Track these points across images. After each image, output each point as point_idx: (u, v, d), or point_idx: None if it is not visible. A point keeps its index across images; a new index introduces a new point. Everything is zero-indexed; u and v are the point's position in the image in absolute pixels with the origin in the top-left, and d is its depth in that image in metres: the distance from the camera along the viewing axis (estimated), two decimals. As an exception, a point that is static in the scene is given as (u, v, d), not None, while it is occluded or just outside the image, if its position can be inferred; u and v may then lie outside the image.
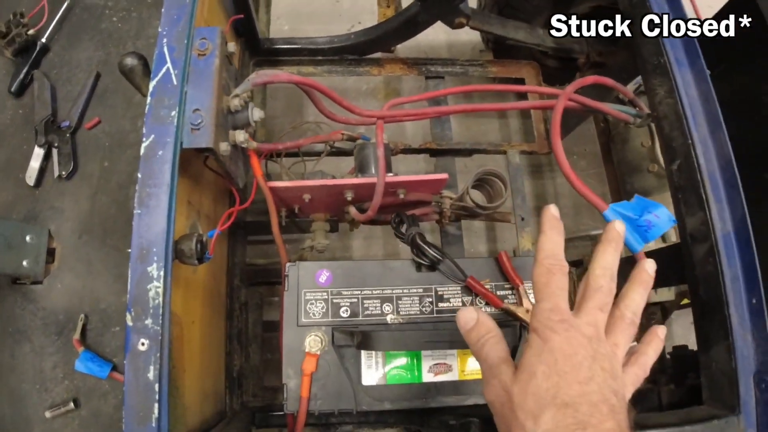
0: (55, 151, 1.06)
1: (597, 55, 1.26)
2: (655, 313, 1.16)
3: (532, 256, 0.83)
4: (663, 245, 1.04)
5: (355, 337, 0.69)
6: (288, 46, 1.17)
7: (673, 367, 1.12)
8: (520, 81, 1.27)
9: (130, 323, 0.52)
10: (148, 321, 0.52)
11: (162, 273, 0.53)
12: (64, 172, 1.04)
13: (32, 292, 0.98)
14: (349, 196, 0.81)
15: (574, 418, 0.40)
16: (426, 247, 0.75)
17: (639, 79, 1.00)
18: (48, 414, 0.93)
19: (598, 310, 0.46)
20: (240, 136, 0.67)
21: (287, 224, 0.93)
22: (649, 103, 0.79)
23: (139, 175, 0.58)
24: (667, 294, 1.08)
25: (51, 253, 0.99)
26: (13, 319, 0.97)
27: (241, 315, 0.99)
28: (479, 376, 0.76)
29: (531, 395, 0.42)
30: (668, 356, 1.13)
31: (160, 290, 0.53)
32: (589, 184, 1.80)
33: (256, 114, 0.69)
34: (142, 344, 0.51)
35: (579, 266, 1.43)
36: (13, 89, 1.11)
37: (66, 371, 0.95)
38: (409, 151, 1.13)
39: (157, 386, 0.51)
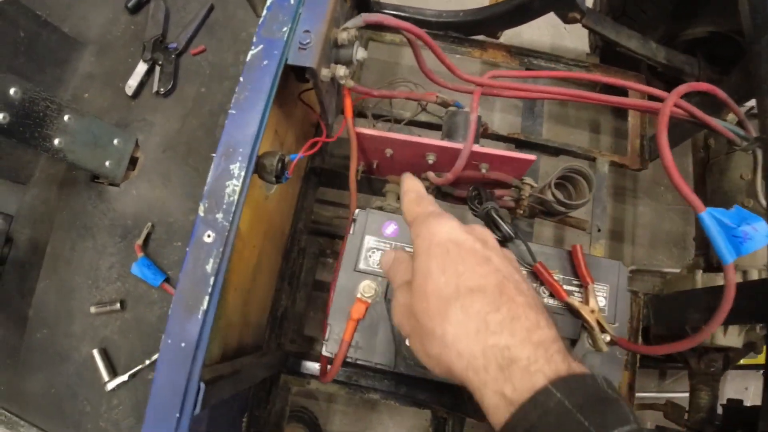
0: (157, 69, 1.10)
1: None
2: (716, 361, 1.09)
3: (609, 258, 0.78)
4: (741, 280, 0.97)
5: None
6: (396, 13, 1.17)
7: (723, 421, 1.03)
8: (623, 92, 1.21)
9: (201, 214, 0.52)
10: (219, 215, 0.52)
11: (243, 173, 0.53)
12: (162, 89, 1.08)
13: (107, 193, 1.01)
14: (431, 159, 0.79)
15: (482, 301, 0.36)
16: (500, 221, 0.72)
17: (749, 103, 0.93)
18: (93, 309, 0.96)
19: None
20: (341, 70, 0.66)
21: (361, 180, 0.93)
22: (759, 125, 0.72)
23: (241, 79, 0.58)
24: (735, 340, 0.99)
25: (133, 161, 1.03)
26: (83, 215, 1.01)
27: (297, 258, 1.00)
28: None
29: (431, 296, 0.37)
30: (720, 407, 1.05)
31: (237, 189, 0.53)
32: (670, 219, 1.70)
33: (360, 53, 0.68)
34: (208, 236, 0.51)
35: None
36: (129, 5, 1.16)
37: (121, 273, 0.98)
38: (495, 137, 1.10)
39: (212, 279, 0.50)
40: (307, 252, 1.04)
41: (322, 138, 0.72)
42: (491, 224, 0.73)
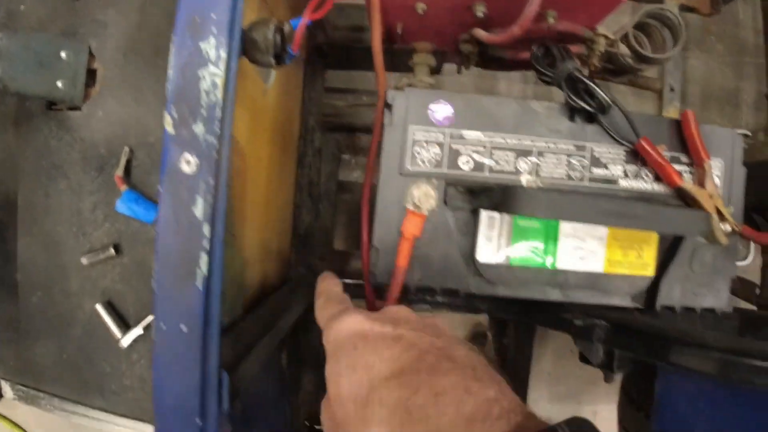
0: (94, -53, 0.85)
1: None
2: None
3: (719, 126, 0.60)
4: None
5: (490, 195, 0.50)
6: None
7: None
8: None
9: (170, 129, 0.33)
10: (198, 128, 0.33)
11: (224, 54, 0.33)
12: (106, -26, 0.83)
13: (69, 120, 0.82)
14: (481, 11, 0.58)
15: (399, 388, 0.32)
16: (592, 85, 0.52)
17: None
18: (85, 260, 0.81)
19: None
20: None
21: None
22: None
23: None
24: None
25: (91, 74, 0.82)
26: (48, 152, 0.82)
27: (314, 163, 0.82)
28: (628, 272, 0.57)
29: (347, 401, 0.34)
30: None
31: (220, 80, 0.33)
32: (722, 72, 1.48)
33: None
34: (187, 162, 0.33)
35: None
36: None
37: (107, 213, 0.81)
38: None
39: (207, 228, 0.33)
40: (324, 153, 0.85)
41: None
42: (579, 91, 0.54)
